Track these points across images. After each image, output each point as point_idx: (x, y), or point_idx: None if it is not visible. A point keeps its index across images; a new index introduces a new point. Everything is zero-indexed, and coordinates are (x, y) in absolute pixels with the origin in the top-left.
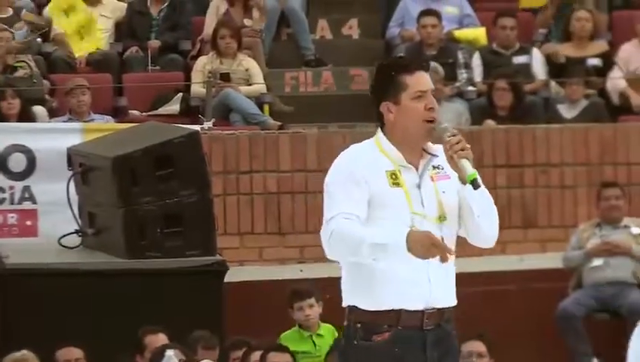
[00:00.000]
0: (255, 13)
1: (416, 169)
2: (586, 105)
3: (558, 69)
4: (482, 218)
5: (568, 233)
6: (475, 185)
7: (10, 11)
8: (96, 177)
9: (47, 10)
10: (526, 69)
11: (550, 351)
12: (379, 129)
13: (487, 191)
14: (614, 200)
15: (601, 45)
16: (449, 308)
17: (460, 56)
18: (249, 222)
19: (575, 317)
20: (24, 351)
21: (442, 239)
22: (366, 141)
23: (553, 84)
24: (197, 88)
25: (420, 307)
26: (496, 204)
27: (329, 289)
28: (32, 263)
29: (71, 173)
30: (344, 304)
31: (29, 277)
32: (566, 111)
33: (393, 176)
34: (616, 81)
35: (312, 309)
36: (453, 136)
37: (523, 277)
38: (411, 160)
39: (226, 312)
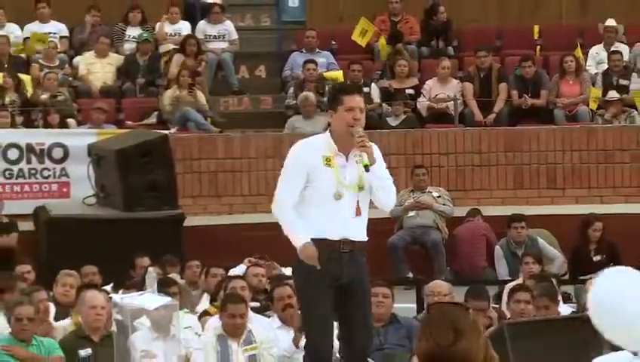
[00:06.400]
0: (202, 62)
1: (346, 156)
2: (404, 118)
3: (387, 96)
4: (379, 191)
5: None
6: (366, 169)
7: (57, 61)
8: (106, 162)
9: (76, 60)
10: (367, 95)
11: (384, 268)
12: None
13: (386, 173)
14: (422, 175)
15: (414, 81)
16: (360, 241)
17: (327, 88)
18: (198, 189)
19: (398, 247)
20: (68, 270)
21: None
22: (320, 135)
23: (384, 105)
24: (166, 108)
25: (337, 237)
26: None
27: (247, 229)
28: (67, 214)
29: (90, 159)
30: None
31: (64, 223)
32: (392, 121)
33: (327, 160)
34: (423, 103)
35: None
36: (360, 136)
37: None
38: (342, 150)
39: (184, 244)
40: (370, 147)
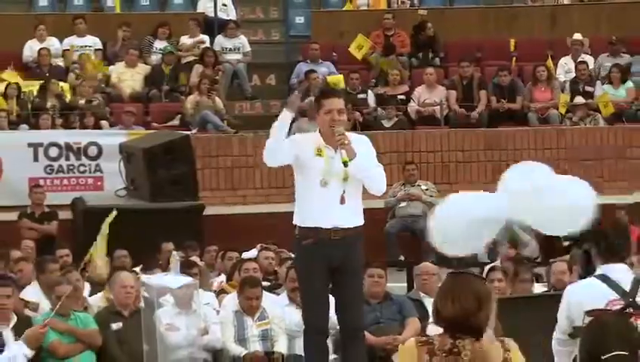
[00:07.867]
0: (219, 72)
1: (334, 149)
2: (396, 120)
3: (381, 101)
4: (366, 180)
5: (387, 189)
6: (345, 165)
7: (100, 76)
8: (135, 159)
9: (110, 68)
10: (364, 100)
11: (379, 252)
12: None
13: (374, 162)
14: (412, 170)
15: (405, 88)
16: (353, 227)
17: None
18: (216, 183)
19: (391, 233)
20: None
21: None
22: (312, 132)
23: (379, 109)
24: (188, 111)
25: (329, 226)
26: None
27: (260, 218)
28: (100, 204)
29: (121, 156)
30: (294, 222)
31: (99, 212)
32: (386, 123)
33: (318, 150)
34: (413, 107)
35: None
36: (341, 135)
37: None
38: (329, 144)
39: (204, 231)
40: (349, 144)
